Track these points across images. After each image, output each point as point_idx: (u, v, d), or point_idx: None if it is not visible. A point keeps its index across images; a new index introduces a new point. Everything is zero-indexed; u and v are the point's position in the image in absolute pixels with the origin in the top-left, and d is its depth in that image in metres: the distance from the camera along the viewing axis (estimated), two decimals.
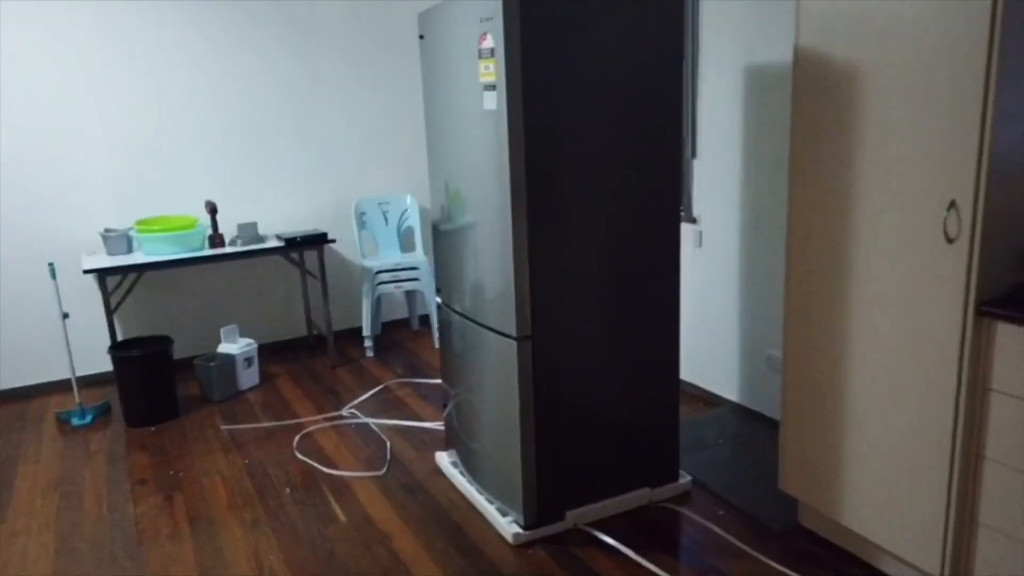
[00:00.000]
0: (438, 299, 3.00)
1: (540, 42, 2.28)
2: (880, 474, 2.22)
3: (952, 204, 1.89)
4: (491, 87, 2.31)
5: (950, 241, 1.91)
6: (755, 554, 2.50)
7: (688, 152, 3.60)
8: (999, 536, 1.96)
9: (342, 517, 2.84)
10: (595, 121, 2.42)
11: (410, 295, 5.10)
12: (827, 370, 2.34)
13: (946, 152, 1.89)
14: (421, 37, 2.77)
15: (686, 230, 3.70)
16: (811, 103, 2.25)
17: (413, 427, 3.59)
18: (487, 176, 2.43)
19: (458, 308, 2.81)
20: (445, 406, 3.12)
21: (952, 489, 2.02)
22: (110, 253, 4.00)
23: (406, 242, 4.96)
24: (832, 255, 2.26)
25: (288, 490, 3.05)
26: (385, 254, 4.86)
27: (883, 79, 2.03)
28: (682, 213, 3.70)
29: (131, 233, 4.03)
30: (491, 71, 2.29)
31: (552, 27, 2.29)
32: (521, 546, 2.60)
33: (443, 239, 2.87)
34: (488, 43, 2.29)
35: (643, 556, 2.50)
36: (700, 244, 3.64)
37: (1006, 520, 1.93)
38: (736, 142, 3.35)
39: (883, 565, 2.36)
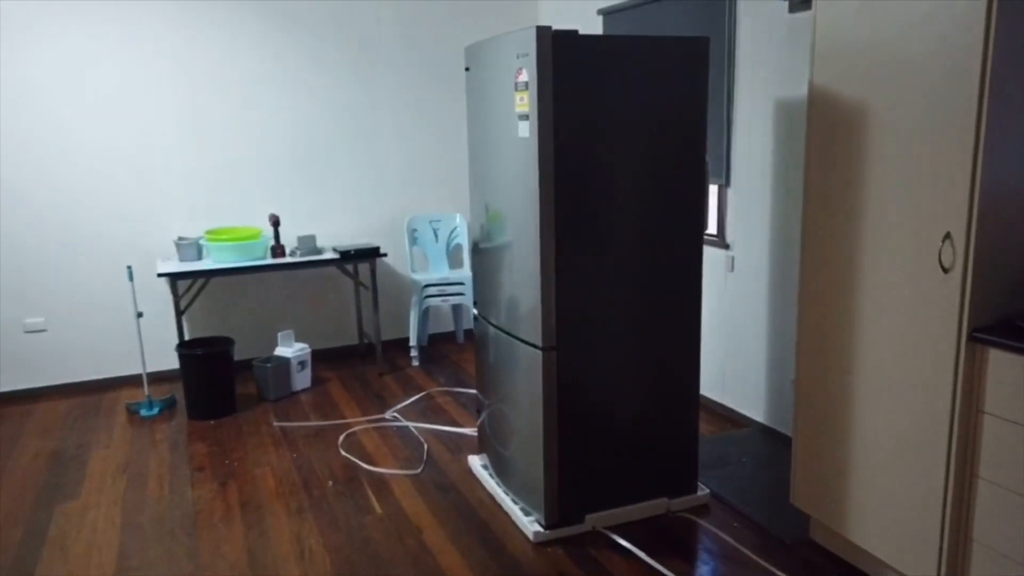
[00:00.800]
0: (475, 311, 3.22)
1: (571, 77, 2.49)
2: (882, 491, 2.32)
3: (947, 236, 2.02)
4: (525, 117, 2.53)
5: (945, 271, 2.04)
6: (765, 564, 2.61)
7: (723, 181, 3.75)
8: (992, 552, 2.05)
9: (378, 509, 3.06)
10: (621, 150, 2.61)
11: (456, 309, 5.34)
12: (836, 391, 2.46)
13: (941, 186, 2.02)
14: (467, 69, 3.02)
15: (719, 255, 3.84)
16: (823, 138, 2.40)
17: (450, 432, 3.81)
18: (520, 198, 2.65)
19: (493, 320, 3.02)
20: (479, 412, 3.32)
21: (947, 507, 2.12)
22: (182, 259, 4.36)
23: (454, 259, 5.20)
24: (840, 283, 2.39)
25: (331, 483, 3.29)
26: (434, 269, 5.11)
27: (885, 116, 2.17)
28: (716, 239, 3.85)
29: (201, 241, 4.38)
30: (525, 102, 2.52)
31: (583, 64, 2.50)
32: (541, 544, 2.77)
33: (481, 256, 3.09)
34: (523, 77, 2.51)
35: (657, 560, 2.64)
36: (732, 269, 3.77)
37: (998, 537, 2.02)
38: (768, 172, 3.49)
39: None
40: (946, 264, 2.03)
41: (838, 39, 2.31)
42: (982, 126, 1.91)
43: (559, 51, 2.47)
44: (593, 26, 4.65)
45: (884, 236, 2.22)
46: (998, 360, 1.97)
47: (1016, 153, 1.96)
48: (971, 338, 2.01)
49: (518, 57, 2.54)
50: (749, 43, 3.51)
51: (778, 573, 2.56)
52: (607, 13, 4.49)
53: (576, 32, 2.48)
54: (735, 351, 3.81)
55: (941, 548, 2.15)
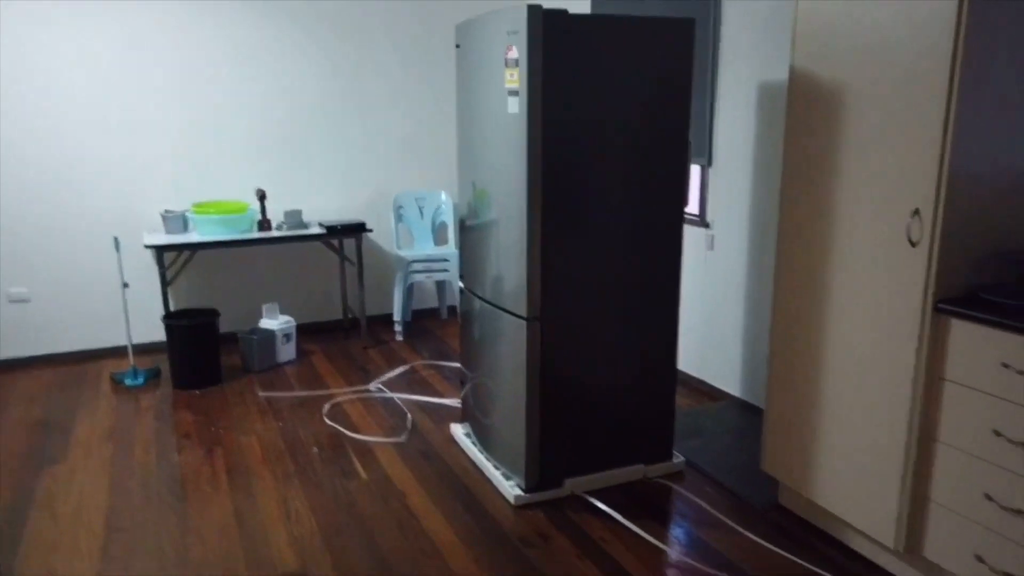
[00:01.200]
0: (461, 285, 3.29)
1: (560, 55, 2.56)
2: (848, 456, 2.44)
3: (916, 211, 2.12)
4: (515, 93, 2.60)
5: (913, 245, 2.14)
6: (735, 527, 2.73)
7: (705, 161, 3.84)
8: (948, 512, 2.17)
9: (364, 475, 3.13)
10: (609, 128, 2.69)
11: (441, 285, 5.40)
12: (806, 361, 2.57)
13: (912, 164, 2.12)
14: (457, 46, 3.07)
15: (699, 234, 3.93)
16: (801, 119, 2.49)
17: (434, 403, 3.89)
18: (508, 174, 2.72)
19: (478, 292, 3.10)
20: (463, 383, 3.40)
21: (907, 469, 2.24)
22: (168, 232, 4.38)
23: (439, 236, 5.26)
24: (814, 256, 2.49)
25: (316, 450, 3.36)
26: (419, 246, 5.17)
27: (861, 96, 2.26)
28: (697, 218, 3.94)
29: (188, 214, 4.40)
30: (515, 79, 2.58)
31: (572, 43, 2.56)
32: (521, 507, 2.87)
33: (468, 232, 3.16)
34: (513, 53, 2.57)
35: (632, 522, 2.75)
36: (712, 247, 3.88)
37: (955, 498, 2.14)
38: (749, 154, 3.58)
39: (849, 540, 2.58)
40: (914, 239, 2.13)
41: (818, 20, 2.39)
42: (952, 107, 2.01)
43: (549, 29, 2.53)
44: (582, 5, 4.71)
45: (857, 211, 2.32)
46: (960, 330, 2.08)
47: (984, 134, 2.06)
48: (936, 309, 2.11)
49: (509, 34, 2.60)
50: (734, 25, 3.59)
51: (748, 535, 2.68)
52: None
53: (566, 11, 2.54)
54: (713, 327, 3.92)
55: (901, 508, 2.27)
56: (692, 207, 4.00)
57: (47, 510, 2.88)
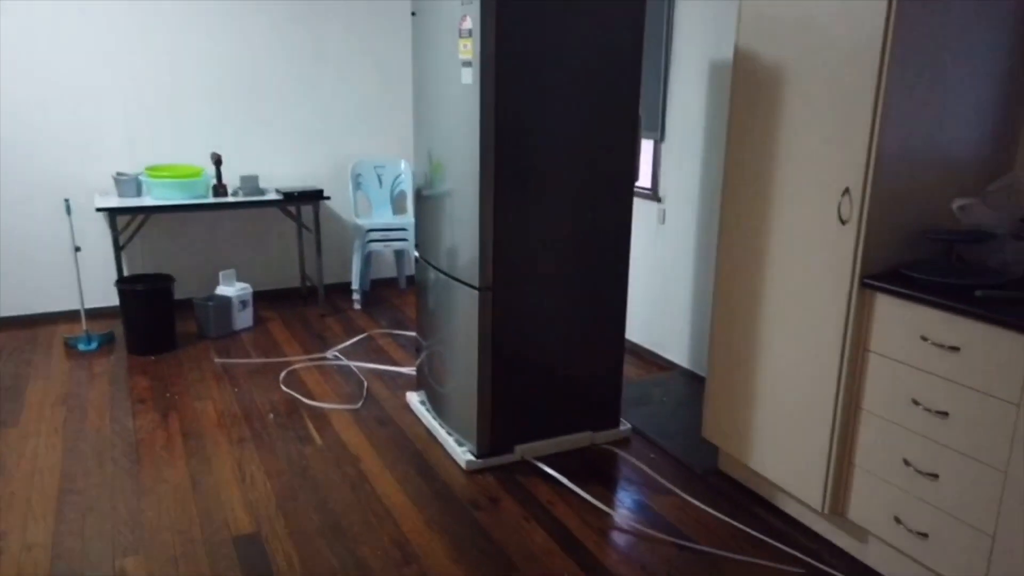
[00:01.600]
0: (416, 253, 3.34)
1: (513, 26, 2.59)
2: (781, 424, 2.57)
3: (846, 190, 2.22)
4: (468, 64, 2.63)
5: (843, 223, 2.24)
6: (677, 491, 2.85)
7: (658, 136, 3.91)
8: (871, 476, 2.31)
9: (318, 440, 3.19)
10: (560, 101, 2.74)
11: (399, 255, 5.43)
12: (745, 331, 2.68)
13: (843, 144, 2.21)
14: (413, 14, 3.08)
15: (651, 208, 4.02)
16: (745, 97, 2.57)
17: (390, 371, 3.94)
18: (462, 145, 2.75)
19: (433, 262, 3.14)
20: (418, 351, 3.46)
21: (834, 435, 2.37)
22: (121, 195, 4.33)
23: (398, 205, 5.27)
24: (754, 233, 2.59)
25: (272, 415, 3.41)
26: (377, 215, 5.18)
27: (799, 78, 2.35)
28: (649, 192, 4.02)
29: (141, 177, 4.35)
30: (468, 49, 2.61)
31: (525, 14, 2.59)
32: (473, 472, 2.95)
33: (424, 202, 3.19)
34: (467, 24, 2.60)
35: (579, 486, 2.86)
36: (663, 222, 3.97)
37: (877, 462, 2.28)
38: (700, 130, 3.66)
39: (781, 503, 2.72)
40: (844, 216, 2.24)
41: (762, 5, 2.46)
42: (881, 91, 2.10)
43: (503, 1, 2.55)
44: None
45: (794, 189, 2.41)
46: (884, 304, 2.19)
47: (912, 117, 2.16)
48: (862, 284, 2.23)
49: (463, 4, 2.62)
50: (688, 3, 3.64)
51: (687, 498, 2.80)
52: None
53: None
54: (663, 300, 4.03)
55: (827, 472, 2.41)
56: (644, 181, 4.08)
57: (0, 472, 2.89)
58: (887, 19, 2.05)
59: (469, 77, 2.63)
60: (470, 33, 2.59)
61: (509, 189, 2.74)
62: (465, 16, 2.61)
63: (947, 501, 2.08)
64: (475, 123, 2.64)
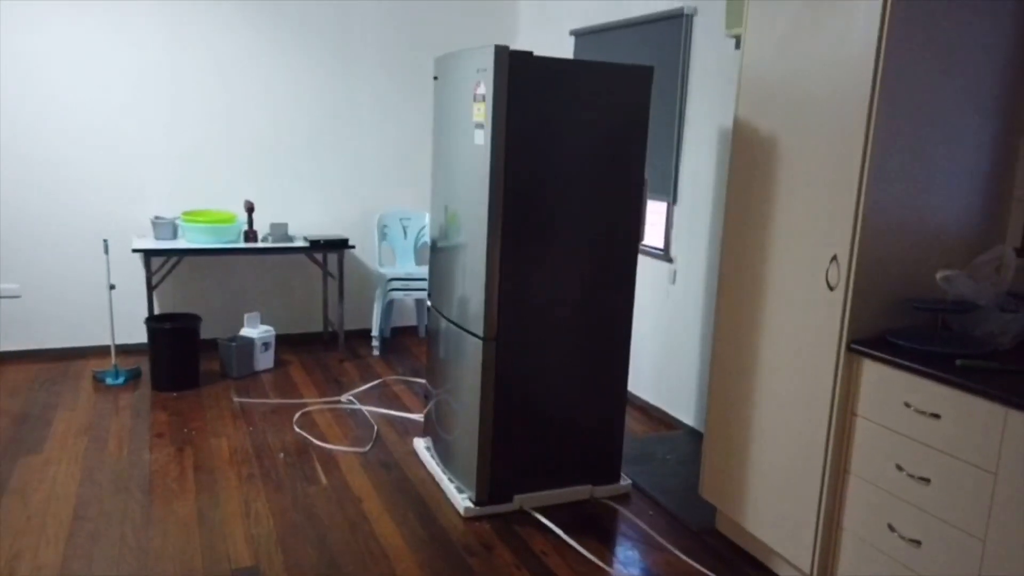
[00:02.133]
0: (429, 302, 3.46)
1: (524, 93, 2.75)
2: (773, 485, 2.59)
3: (834, 258, 2.30)
4: (480, 126, 2.78)
5: (831, 289, 2.31)
6: (671, 548, 2.87)
7: (670, 199, 4.03)
8: (858, 539, 2.32)
9: (324, 480, 3.28)
10: (568, 162, 2.88)
11: (420, 304, 5.57)
12: (741, 393, 2.73)
13: (832, 213, 2.30)
14: (435, 78, 3.27)
15: (662, 268, 4.11)
16: (742, 165, 2.68)
17: (400, 417, 4.04)
18: (473, 201, 2.90)
19: (444, 312, 3.26)
20: (427, 398, 3.55)
21: (823, 498, 2.39)
22: (157, 237, 4.55)
23: (421, 256, 5.44)
24: (749, 295, 2.66)
25: (282, 455, 3.51)
26: (400, 264, 5.35)
27: (792, 148, 2.45)
28: (661, 253, 4.12)
29: (177, 221, 4.58)
30: (481, 112, 2.77)
31: (536, 82, 2.76)
32: (471, 519, 3.01)
33: (438, 253, 3.33)
34: (481, 89, 2.77)
35: (574, 538, 2.89)
36: (673, 282, 4.05)
37: (864, 526, 2.30)
38: (710, 192, 3.77)
39: (773, 565, 2.72)
40: (832, 283, 2.31)
41: (759, 77, 2.59)
42: (867, 162, 2.19)
43: (514, 69, 2.72)
44: (567, 45, 4.93)
45: (785, 255, 2.49)
46: (870, 369, 2.24)
47: (898, 188, 2.24)
48: (849, 349, 2.28)
49: (478, 71, 2.79)
50: (700, 72, 3.79)
51: (680, 556, 2.82)
52: (579, 34, 4.77)
53: (531, 53, 2.74)
54: (672, 358, 4.08)
55: (816, 535, 2.42)
56: (657, 242, 4.18)
57: (19, 497, 3.02)
58: (872, 92, 2.16)
59: (481, 138, 2.79)
60: (483, 98, 2.76)
61: (516, 244, 2.87)
62: (479, 82, 2.78)
63: (929, 568, 2.08)
64: (485, 181, 2.78)
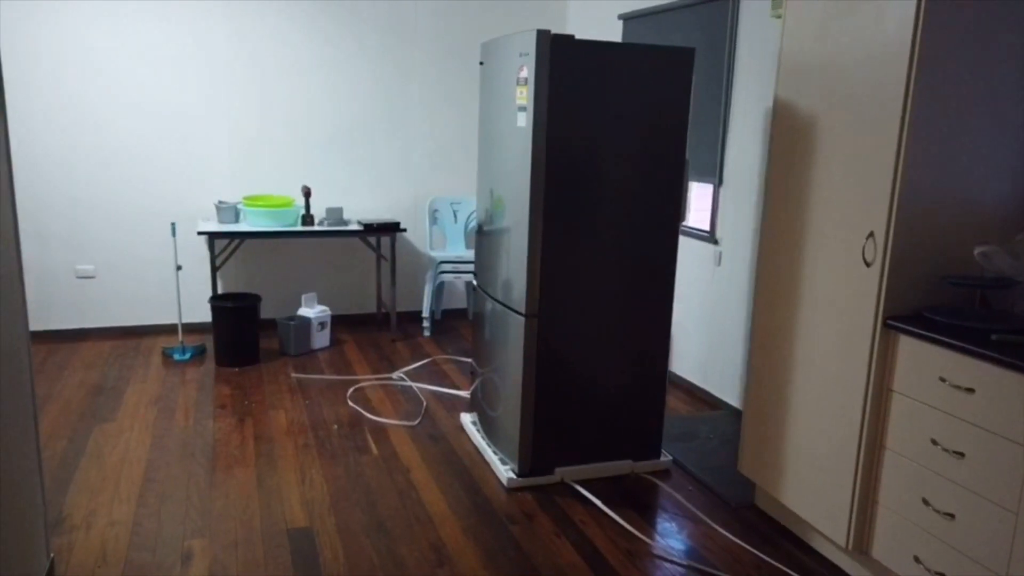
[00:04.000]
0: (475, 282, 3.57)
1: (566, 76, 2.82)
2: (810, 461, 2.62)
3: (871, 234, 2.31)
4: (523, 109, 2.87)
5: (868, 265, 2.33)
6: (709, 522, 2.92)
7: (716, 180, 4.04)
8: (894, 514, 2.34)
9: (375, 450, 3.43)
10: (609, 144, 2.94)
11: (470, 287, 5.69)
12: (778, 371, 2.76)
13: (869, 189, 2.31)
14: (481, 63, 3.36)
15: (708, 250, 4.13)
16: (782, 144, 2.70)
17: (448, 393, 4.17)
18: (517, 182, 2.98)
19: (489, 292, 3.37)
20: (473, 375, 3.67)
21: (859, 473, 2.42)
22: (220, 221, 4.78)
23: (471, 239, 5.56)
24: (787, 273, 2.69)
25: (336, 426, 3.68)
26: (451, 248, 5.48)
27: (829, 128, 2.46)
28: (706, 235, 4.14)
29: (239, 206, 4.80)
30: (524, 96, 2.85)
31: (577, 66, 2.82)
32: (513, 489, 3.12)
33: (484, 235, 3.44)
34: (524, 73, 2.85)
35: (613, 510, 2.97)
36: (719, 263, 4.07)
37: (899, 501, 2.32)
38: (756, 173, 3.77)
39: (810, 539, 2.75)
40: (868, 259, 2.32)
41: (799, 57, 2.60)
42: (904, 137, 2.20)
43: (556, 53, 2.79)
44: (615, 28, 4.96)
45: (823, 232, 2.51)
46: (906, 345, 2.25)
47: (936, 163, 2.24)
48: (885, 325, 2.30)
49: (520, 55, 2.87)
50: (747, 54, 3.79)
51: (718, 529, 2.87)
52: (627, 18, 4.79)
53: (572, 37, 2.80)
54: (717, 340, 4.11)
55: (852, 509, 2.45)
56: (703, 224, 4.19)
57: (95, 460, 3.26)
58: (910, 66, 2.16)
59: (523, 121, 2.87)
60: (526, 81, 2.84)
61: (558, 223, 2.95)
62: (522, 66, 2.86)
63: (962, 541, 2.10)
64: (527, 162, 2.87)
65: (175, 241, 4.51)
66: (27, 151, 4.64)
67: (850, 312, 2.41)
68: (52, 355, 4.57)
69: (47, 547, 2.44)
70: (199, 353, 4.68)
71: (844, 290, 2.43)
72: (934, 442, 2.18)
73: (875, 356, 2.33)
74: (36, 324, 4.83)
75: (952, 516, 2.13)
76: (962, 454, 2.09)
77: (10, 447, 2.06)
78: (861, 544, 2.46)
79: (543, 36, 2.76)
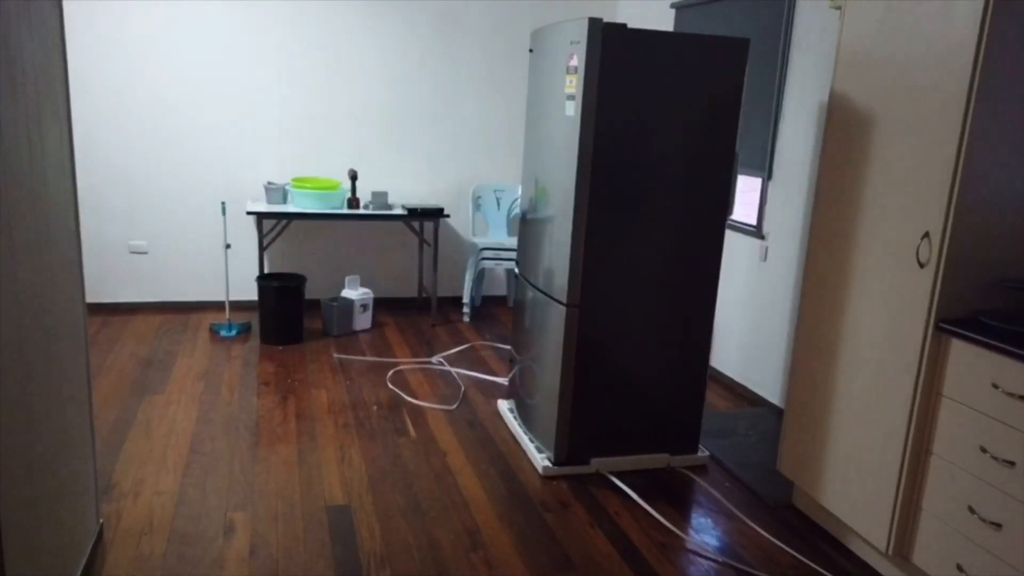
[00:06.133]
0: (516, 270, 3.58)
1: (616, 65, 2.79)
2: (852, 462, 2.58)
3: (926, 234, 2.25)
4: (572, 97, 2.85)
5: (922, 266, 2.27)
6: (745, 519, 2.90)
7: (765, 174, 3.97)
8: (937, 521, 2.29)
9: (413, 433, 3.47)
10: (657, 135, 2.91)
11: (511, 274, 5.70)
12: (822, 370, 2.71)
13: (926, 189, 2.25)
14: (531, 51, 3.35)
15: (754, 245, 4.07)
16: (836, 138, 2.64)
17: (486, 379, 4.19)
18: (563, 171, 2.98)
19: (531, 280, 3.37)
20: (512, 363, 3.69)
21: (902, 478, 2.37)
22: (269, 202, 4.86)
23: (513, 226, 5.56)
24: (836, 270, 2.64)
25: (375, 407, 3.73)
26: (493, 235, 5.49)
27: (888, 124, 2.40)
28: (753, 229, 4.08)
29: (287, 187, 4.87)
30: (573, 84, 2.83)
31: (628, 55, 2.79)
32: (548, 477, 3.13)
33: (528, 225, 3.43)
34: (574, 61, 2.83)
35: (648, 503, 2.96)
36: (765, 259, 4.00)
37: (943, 508, 2.27)
38: (807, 169, 3.70)
39: (848, 542, 2.71)
40: (923, 260, 2.26)
41: (858, 50, 2.54)
42: (965, 136, 2.13)
43: (607, 41, 2.77)
44: (667, 18, 4.89)
45: (876, 231, 2.46)
46: (958, 350, 2.20)
47: (997, 164, 2.17)
48: (937, 328, 2.24)
49: (571, 44, 2.85)
50: (802, 46, 3.71)
51: (754, 527, 2.85)
52: (679, 7, 4.72)
53: (624, 25, 2.77)
54: (760, 336, 4.05)
55: (894, 514, 2.40)
56: (750, 218, 4.13)
57: (144, 431, 3.36)
58: (975, 63, 2.10)
59: (572, 110, 2.86)
60: (576, 70, 2.82)
61: (602, 214, 2.93)
62: (573, 54, 2.84)
63: (1010, 553, 2.05)
64: (574, 151, 2.86)
65: (225, 220, 4.60)
66: (86, 130, 4.77)
67: (901, 313, 2.35)
68: (105, 327, 4.71)
69: (97, 513, 2.53)
70: (245, 330, 4.78)
71: (895, 290, 2.37)
72: (983, 450, 2.12)
73: (925, 359, 2.28)
74: (91, 297, 4.98)
75: (999, 526, 2.08)
76: (1012, 463, 2.03)
77: (67, 416, 2.14)
78: (902, 549, 2.42)
79: (594, 24, 2.74)
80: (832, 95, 2.65)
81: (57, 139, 2.10)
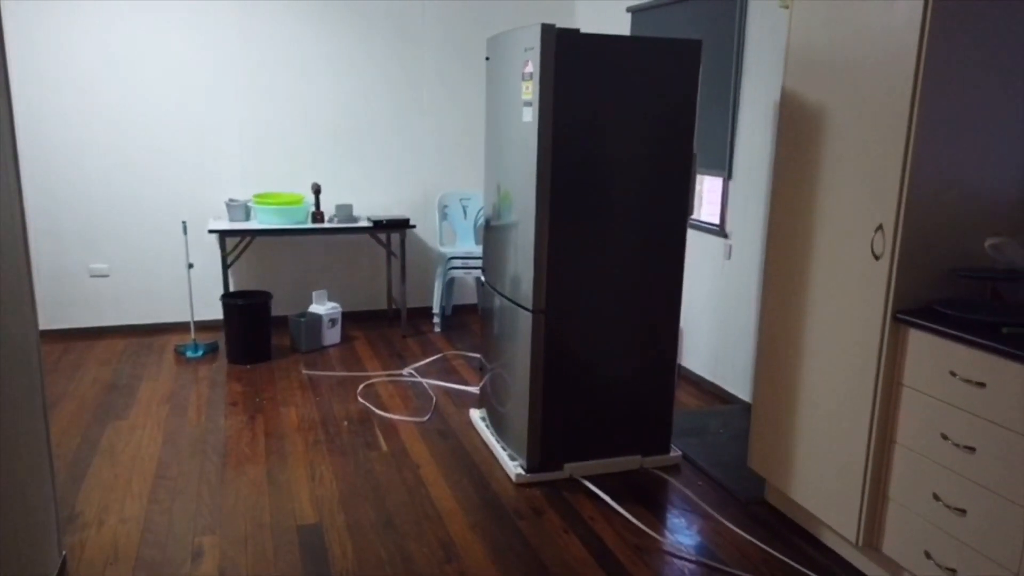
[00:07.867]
0: (482, 278, 3.56)
1: (571, 70, 2.80)
2: (820, 455, 2.60)
3: (879, 227, 2.28)
4: (529, 104, 2.86)
5: (877, 258, 2.30)
6: (718, 517, 2.91)
7: (726, 174, 4.01)
8: (904, 509, 2.32)
9: (384, 447, 3.44)
10: (615, 138, 2.92)
11: (479, 282, 5.69)
12: (786, 365, 2.74)
13: (877, 182, 2.28)
14: (487, 59, 3.35)
15: (718, 244, 4.10)
16: (789, 136, 2.67)
17: (458, 389, 4.17)
18: (523, 177, 2.98)
19: (497, 287, 3.36)
20: (482, 371, 3.67)
21: (868, 468, 2.40)
22: (231, 219, 4.80)
23: (480, 235, 5.55)
24: (796, 267, 2.66)
25: (346, 423, 3.69)
26: (461, 243, 5.47)
27: (838, 120, 2.44)
28: (716, 228, 4.11)
29: (249, 204, 4.81)
30: (529, 91, 2.84)
31: (583, 60, 2.81)
32: (521, 485, 3.12)
33: (491, 231, 3.43)
34: (529, 68, 2.83)
35: (622, 506, 2.96)
36: (729, 257, 4.04)
37: (909, 496, 2.29)
38: (765, 168, 3.74)
39: (820, 534, 2.73)
40: (877, 252, 2.30)
41: (806, 47, 2.57)
42: (913, 129, 2.17)
43: (561, 47, 2.78)
44: (624, 22, 4.93)
45: (832, 225, 2.49)
46: (916, 339, 2.23)
47: (945, 155, 2.21)
48: (894, 319, 2.27)
49: (526, 50, 2.86)
50: (756, 47, 3.75)
51: (727, 524, 2.86)
52: (635, 11, 4.76)
53: (577, 31, 2.79)
54: (727, 334, 4.08)
55: (862, 504, 2.43)
56: (712, 218, 4.17)
57: (108, 457, 3.29)
58: (919, 58, 2.13)
59: (529, 116, 2.86)
60: (531, 76, 2.83)
61: (565, 218, 2.94)
62: (528, 61, 2.84)
63: (974, 537, 2.08)
64: (533, 158, 2.86)
65: (187, 239, 4.54)
66: (41, 151, 4.68)
67: (859, 306, 2.38)
68: (67, 353, 4.61)
69: (59, 545, 2.47)
70: (211, 350, 4.71)
71: (853, 283, 2.40)
72: (944, 437, 2.15)
73: (884, 350, 2.30)
74: (51, 323, 4.88)
75: (963, 511, 2.11)
76: (973, 449, 2.07)
77: (21, 446, 2.09)
78: (871, 539, 2.44)
79: (548, 31, 2.75)
80: (783, 94, 2.69)
81: None
